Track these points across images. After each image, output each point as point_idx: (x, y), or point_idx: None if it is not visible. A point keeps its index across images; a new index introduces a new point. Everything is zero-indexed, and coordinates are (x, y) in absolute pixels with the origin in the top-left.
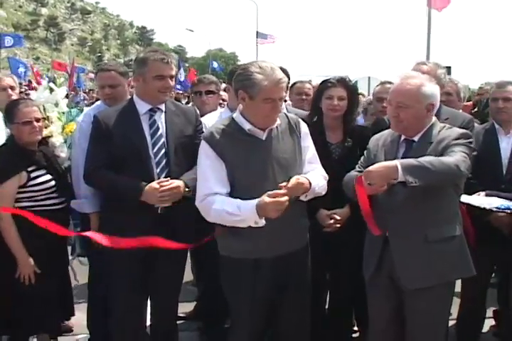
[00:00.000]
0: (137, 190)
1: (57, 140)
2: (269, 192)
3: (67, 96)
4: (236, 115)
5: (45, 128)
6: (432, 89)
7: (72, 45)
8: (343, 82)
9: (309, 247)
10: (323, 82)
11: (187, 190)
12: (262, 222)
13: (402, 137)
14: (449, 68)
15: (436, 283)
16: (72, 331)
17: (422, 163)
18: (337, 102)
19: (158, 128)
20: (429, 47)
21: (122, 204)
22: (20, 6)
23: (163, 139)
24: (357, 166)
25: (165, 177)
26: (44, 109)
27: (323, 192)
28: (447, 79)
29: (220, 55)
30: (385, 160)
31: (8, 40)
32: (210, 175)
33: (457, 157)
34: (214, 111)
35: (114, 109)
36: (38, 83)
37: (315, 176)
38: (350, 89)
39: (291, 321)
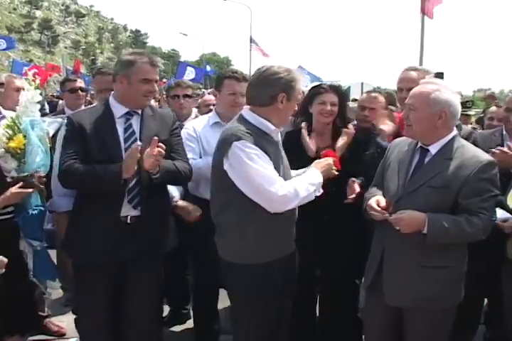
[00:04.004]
0: (117, 165)
1: None
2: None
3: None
4: (251, 117)
5: None
6: (448, 96)
7: (66, 48)
8: (334, 88)
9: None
10: (315, 87)
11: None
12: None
13: (419, 144)
14: (441, 74)
15: (414, 306)
16: (64, 335)
17: (450, 230)
18: (330, 108)
19: (133, 133)
20: (422, 53)
21: (90, 215)
22: (14, 9)
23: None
24: (374, 178)
25: (135, 182)
26: None
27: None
28: None
29: (214, 60)
30: (398, 168)
31: (2, 43)
32: (269, 169)
33: (486, 223)
34: (189, 114)
35: (89, 111)
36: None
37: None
38: (341, 95)
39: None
